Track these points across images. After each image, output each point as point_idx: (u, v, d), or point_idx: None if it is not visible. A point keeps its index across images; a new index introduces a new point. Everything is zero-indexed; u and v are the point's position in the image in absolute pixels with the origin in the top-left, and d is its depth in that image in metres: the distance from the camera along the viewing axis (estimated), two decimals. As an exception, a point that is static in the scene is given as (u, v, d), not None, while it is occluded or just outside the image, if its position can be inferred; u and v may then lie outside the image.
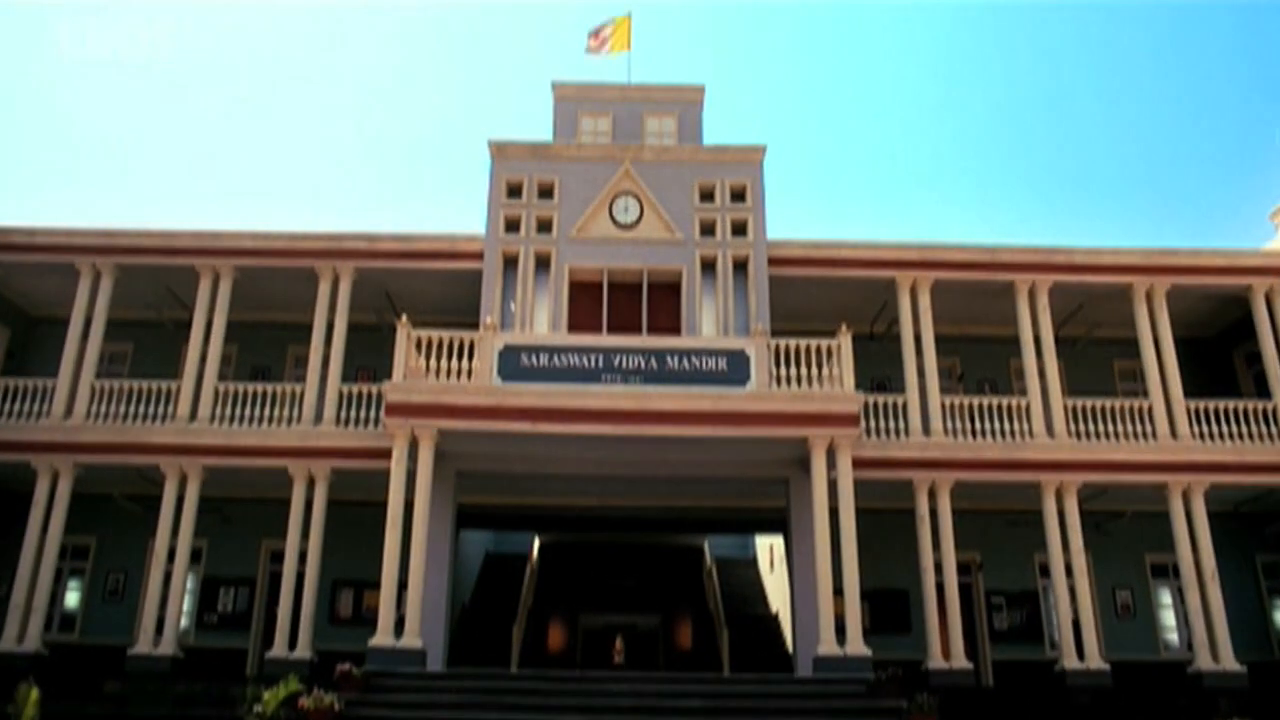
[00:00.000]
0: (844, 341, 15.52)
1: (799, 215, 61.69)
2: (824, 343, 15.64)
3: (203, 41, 54.82)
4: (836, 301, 19.51)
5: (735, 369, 15.29)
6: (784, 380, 15.46)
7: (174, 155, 59.61)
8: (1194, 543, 16.90)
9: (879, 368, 19.73)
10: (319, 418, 17.48)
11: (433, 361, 15.49)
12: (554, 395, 15.01)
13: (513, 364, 15.35)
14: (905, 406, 17.58)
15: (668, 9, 55.06)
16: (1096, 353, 20.73)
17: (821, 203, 59.41)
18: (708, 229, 18.39)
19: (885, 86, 62.82)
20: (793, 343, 15.63)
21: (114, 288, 18.64)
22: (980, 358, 20.84)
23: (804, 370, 15.52)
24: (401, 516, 14.81)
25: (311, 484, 17.11)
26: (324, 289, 18.39)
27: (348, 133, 62.91)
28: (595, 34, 21.43)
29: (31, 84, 52.84)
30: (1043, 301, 18.39)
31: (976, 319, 20.42)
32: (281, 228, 18.80)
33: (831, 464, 15.30)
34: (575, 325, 17.60)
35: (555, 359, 15.42)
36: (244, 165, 61.11)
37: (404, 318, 15.71)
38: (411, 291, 19.44)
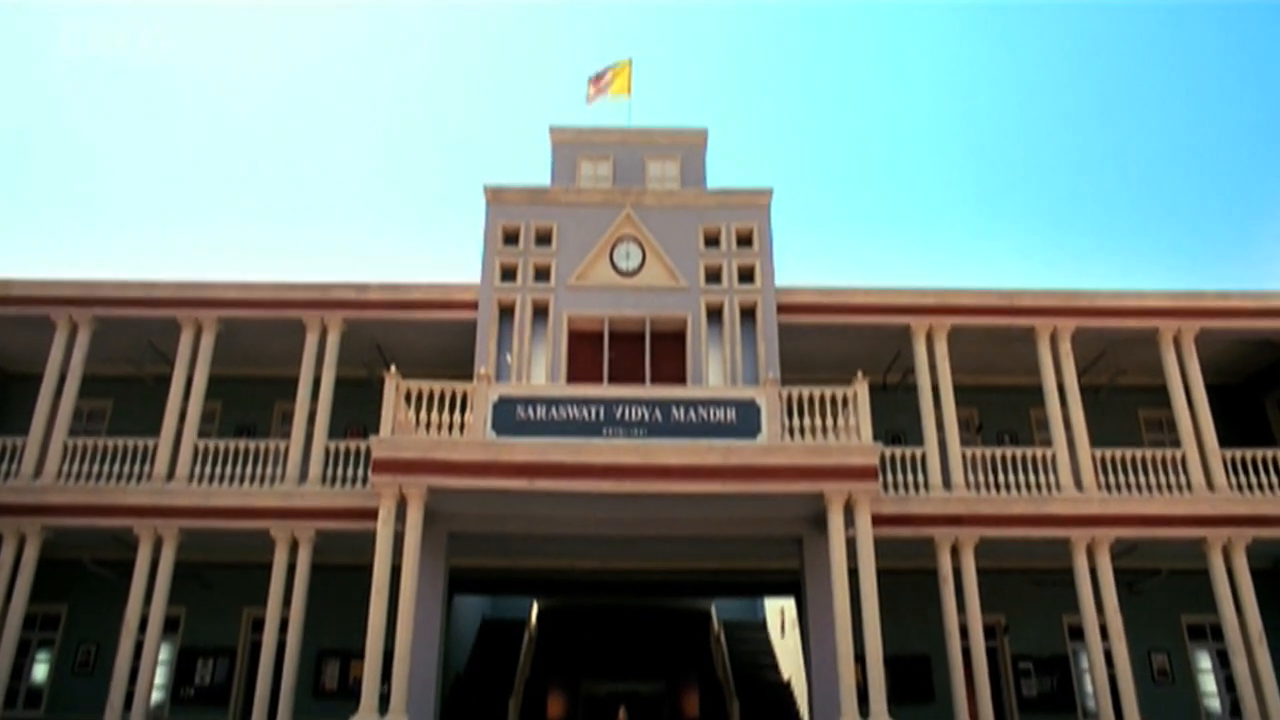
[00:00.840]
0: (860, 390, 14.61)
1: (807, 261, 60.87)
2: (839, 391, 14.73)
3: (189, 91, 54.80)
4: (848, 350, 18.69)
5: (745, 420, 14.36)
6: (797, 432, 14.52)
7: (158, 206, 59.03)
8: (1237, 602, 15.82)
9: (894, 420, 18.84)
10: (303, 476, 16.52)
11: (423, 415, 14.56)
12: (552, 450, 14.05)
13: (508, 417, 14.42)
14: (924, 459, 16.62)
15: (669, 54, 54.72)
16: (1120, 401, 19.82)
17: (831, 248, 58.55)
18: (713, 275, 17.58)
19: (895, 128, 62.24)
20: (805, 391, 14.70)
21: (93, 341, 17.80)
22: (999, 408, 19.95)
23: (818, 421, 14.59)
24: (388, 582, 13.76)
25: (295, 547, 16.09)
26: (311, 341, 17.52)
27: (340, 181, 62.50)
28: (595, 80, 20.89)
29: None
30: (1065, 347, 17.51)
31: (994, 368, 19.57)
32: (268, 277, 18.01)
33: (849, 521, 14.30)
34: (575, 376, 16.72)
35: (553, 411, 14.49)
36: (232, 216, 60.51)
37: (392, 368, 14.81)
38: (403, 344, 18.61)
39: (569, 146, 19.63)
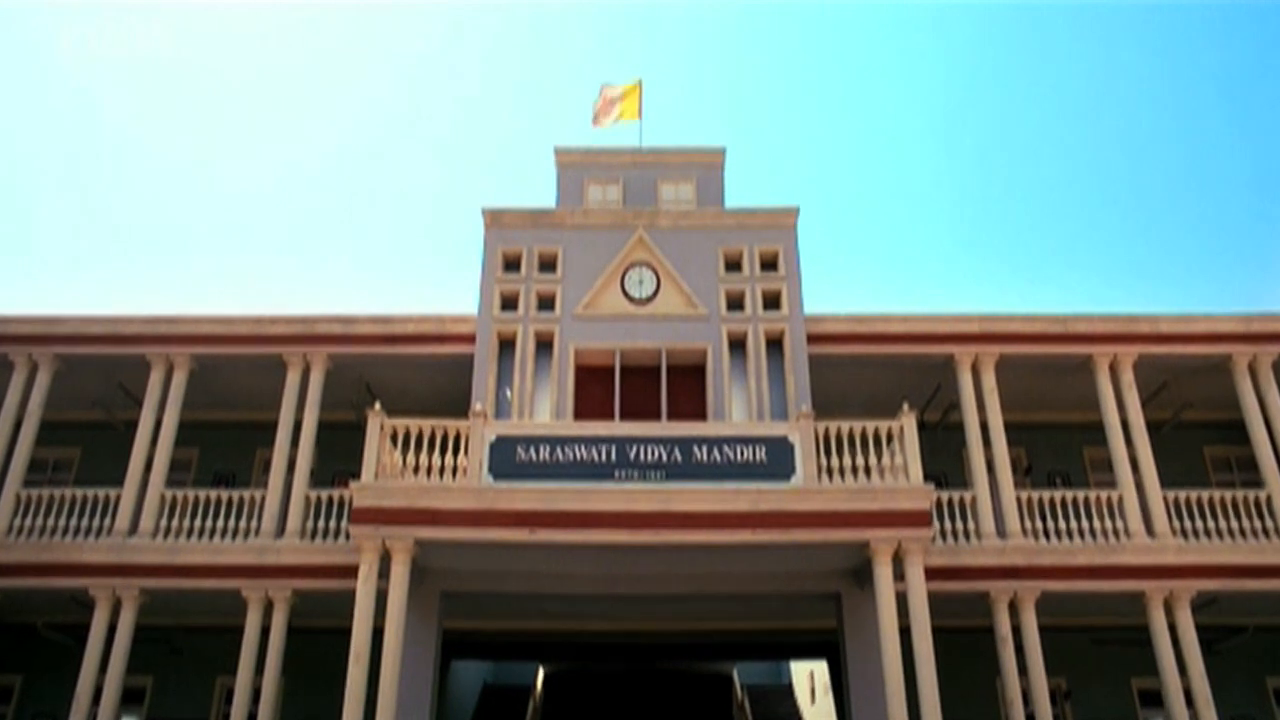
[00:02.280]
0: (907, 424, 12.87)
1: (832, 292, 57.98)
2: (883, 425, 12.98)
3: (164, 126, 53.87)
4: (881, 385, 16.99)
5: (777, 460, 12.61)
6: (836, 473, 12.75)
7: (127, 236, 57.20)
8: (1341, 665, 13.92)
9: (935, 462, 17.04)
10: (281, 530, 14.81)
11: (410, 457, 12.86)
12: (556, 496, 12.32)
13: (507, 459, 12.71)
14: (974, 504, 14.84)
15: (679, 78, 52.74)
16: (1183, 439, 17.95)
17: (858, 280, 55.52)
18: (735, 302, 15.95)
19: (927, 147, 59.29)
20: (845, 426, 12.95)
21: (56, 383, 16.26)
22: (1049, 447, 18.13)
23: (859, 460, 12.83)
24: (369, 648, 12.00)
25: (270, 609, 14.34)
26: (292, 379, 15.93)
27: (332, 210, 60.38)
28: (604, 101, 19.40)
29: None
30: (1127, 377, 15.79)
31: (1042, 402, 17.82)
32: (245, 311, 16.49)
33: (898, 574, 12.48)
34: (583, 414, 15.03)
35: (559, 452, 12.78)
36: (210, 247, 58.56)
37: (377, 405, 13.15)
38: (395, 382, 16.96)
39: (575, 168, 18.14)
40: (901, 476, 12.60)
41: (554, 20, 55.76)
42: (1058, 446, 18.12)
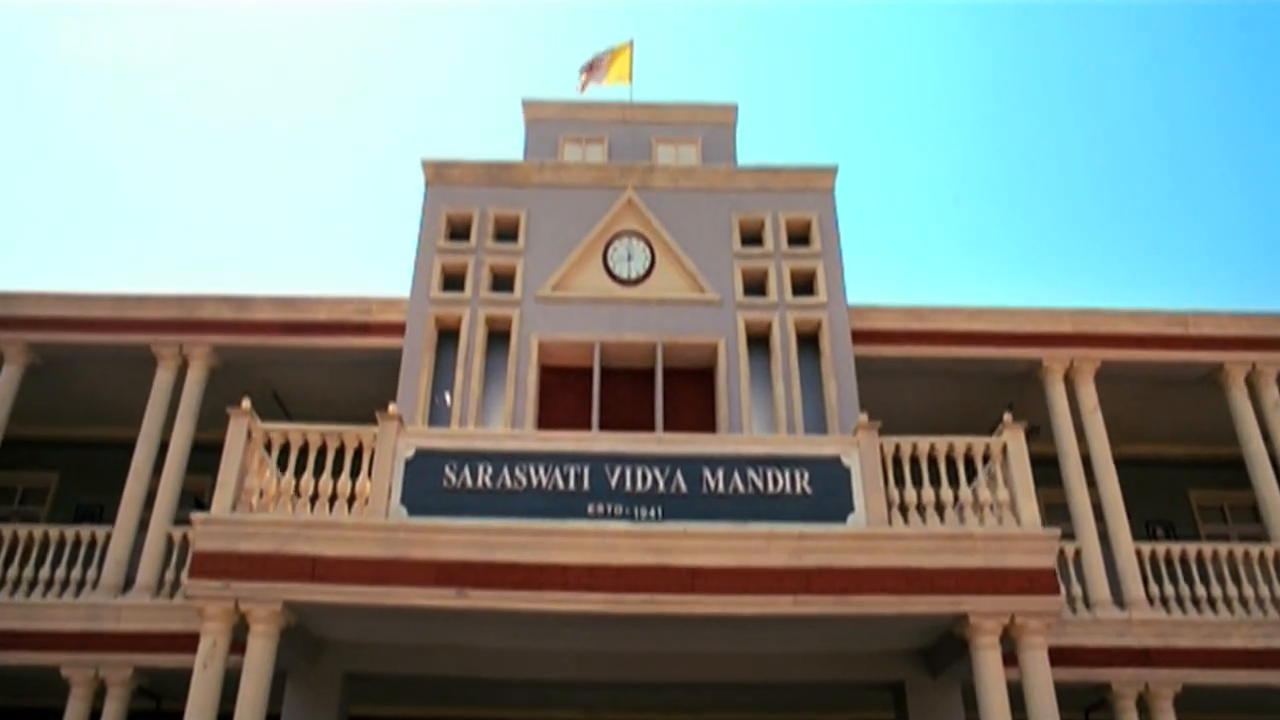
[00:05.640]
0: (1012, 439, 8.86)
1: (862, 286, 49.35)
2: (976, 443, 8.99)
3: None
4: (940, 399, 13.29)
5: (827, 490, 8.60)
6: (913, 509, 8.73)
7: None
8: None
9: (1007, 502, 13.06)
10: (128, 583, 10.76)
11: (289, 477, 8.81)
12: (500, 540, 8.28)
13: (430, 484, 8.68)
14: (1079, 559, 10.90)
15: (675, 38, 46.19)
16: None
17: (888, 274, 47.19)
18: (755, 285, 12.04)
19: (984, 110, 49.79)
20: (924, 443, 8.95)
21: None
22: (1146, 489, 14.10)
23: (945, 493, 8.82)
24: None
25: (102, 692, 10.25)
26: (163, 378, 12.00)
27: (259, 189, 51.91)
28: (589, 68, 15.78)
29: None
30: (1271, 395, 12.00)
31: (1138, 432, 13.92)
32: (107, 289, 12.50)
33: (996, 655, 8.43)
34: (549, 429, 11.04)
35: (507, 475, 8.75)
36: (103, 233, 50.12)
37: (245, 402, 9.09)
38: (308, 387, 13.10)
39: (549, 124, 14.31)
40: (1008, 517, 8.58)
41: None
42: (1158, 488, 14.16)
